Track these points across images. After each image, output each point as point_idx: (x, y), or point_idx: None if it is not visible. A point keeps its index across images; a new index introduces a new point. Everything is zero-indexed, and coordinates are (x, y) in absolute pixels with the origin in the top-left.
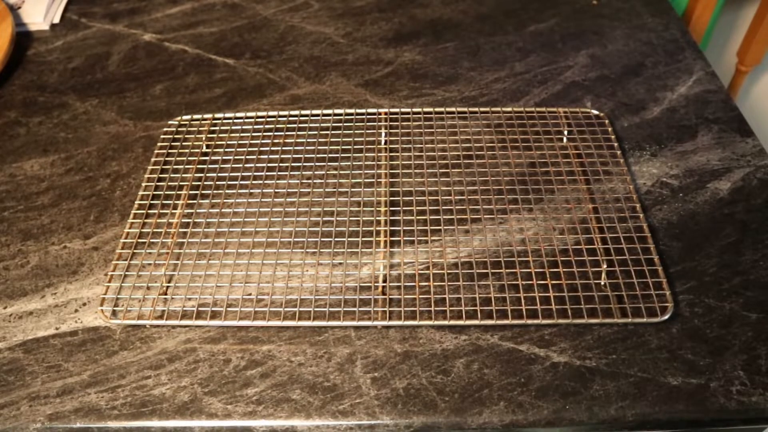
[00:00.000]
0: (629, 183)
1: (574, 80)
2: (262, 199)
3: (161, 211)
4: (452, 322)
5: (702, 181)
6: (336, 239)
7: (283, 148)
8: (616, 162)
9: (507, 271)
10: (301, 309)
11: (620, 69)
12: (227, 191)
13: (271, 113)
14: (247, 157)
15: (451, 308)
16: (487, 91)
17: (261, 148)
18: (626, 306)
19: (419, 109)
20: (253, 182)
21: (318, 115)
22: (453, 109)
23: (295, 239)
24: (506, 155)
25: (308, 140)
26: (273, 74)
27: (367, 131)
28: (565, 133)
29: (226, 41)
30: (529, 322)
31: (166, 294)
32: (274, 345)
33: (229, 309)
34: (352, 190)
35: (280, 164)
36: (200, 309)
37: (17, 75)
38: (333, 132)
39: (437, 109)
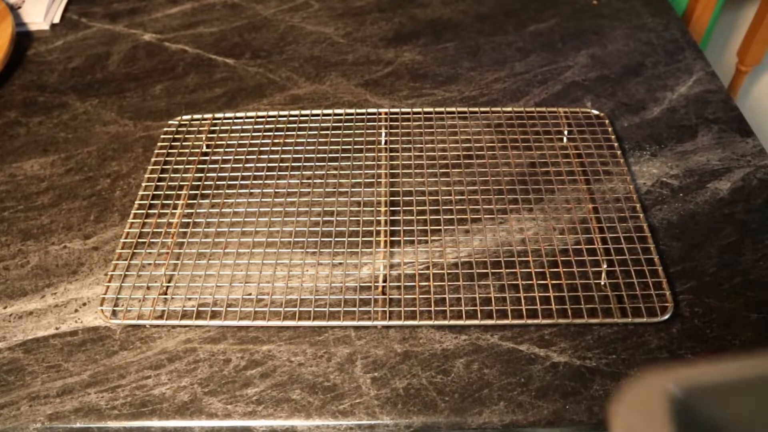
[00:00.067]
0: (629, 183)
1: (574, 80)
2: (262, 199)
3: (161, 211)
4: (452, 322)
5: (702, 181)
6: (336, 239)
7: (283, 148)
8: (616, 162)
9: (507, 271)
10: (301, 309)
11: (620, 69)
12: (227, 191)
13: (271, 113)
14: (247, 157)
15: (451, 308)
16: (487, 91)
17: (261, 148)
18: (626, 306)
19: (419, 109)
20: (253, 182)
21: (318, 115)
22: (453, 109)
23: (295, 239)
24: (506, 155)
25: (308, 140)
26: (273, 74)
27: (367, 131)
28: (565, 133)
29: (226, 41)
30: (529, 322)
31: (166, 294)
32: (274, 345)
33: (229, 309)
34: (352, 190)
35: (280, 164)
36: (200, 309)
37: (17, 75)
38: (333, 132)
39: (437, 109)
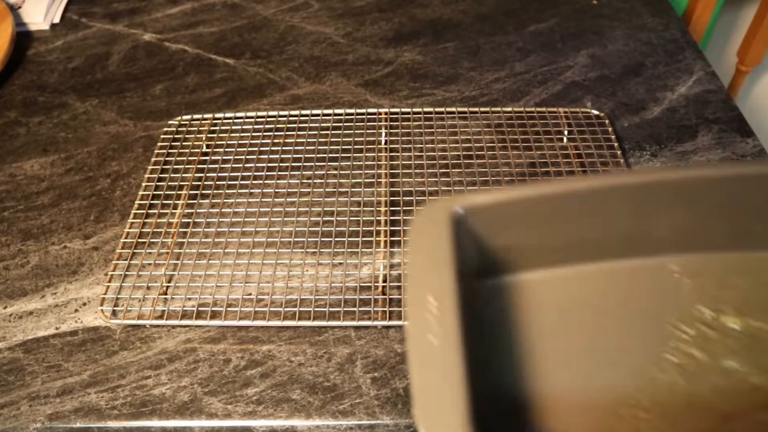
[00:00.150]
0: None
1: (574, 80)
2: (262, 199)
3: (161, 211)
4: None
5: None
6: (336, 239)
7: (283, 148)
8: (616, 162)
9: None
10: (301, 309)
11: (620, 69)
12: (227, 191)
13: (271, 113)
14: (247, 157)
15: None
16: (487, 91)
17: (261, 148)
18: None
19: (419, 109)
20: (253, 182)
21: (318, 115)
22: (453, 109)
23: (295, 239)
24: (506, 155)
25: (308, 140)
26: (273, 74)
27: (367, 131)
28: (565, 133)
29: (226, 41)
30: None
31: (166, 294)
32: (274, 345)
33: (229, 309)
34: (352, 190)
35: (280, 164)
36: (200, 309)
37: (17, 75)
38: (333, 132)
39: (437, 109)
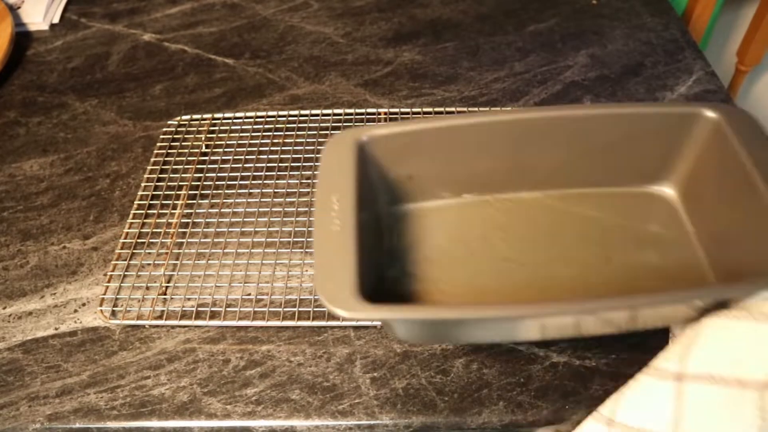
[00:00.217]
0: None
1: (573, 80)
2: (262, 199)
3: (160, 211)
4: None
5: None
6: None
7: (283, 148)
8: None
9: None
10: (300, 309)
11: (620, 69)
12: (227, 191)
13: (270, 113)
14: (247, 157)
15: None
16: (486, 91)
17: (260, 148)
18: None
19: (419, 109)
20: (253, 182)
21: (317, 115)
22: (453, 109)
23: (295, 239)
24: None
25: (308, 140)
26: (273, 74)
27: None
28: None
29: (226, 41)
30: None
31: (165, 294)
32: (274, 345)
33: (228, 309)
34: None
35: (280, 164)
36: (199, 309)
37: (17, 75)
38: (333, 132)
39: (437, 109)
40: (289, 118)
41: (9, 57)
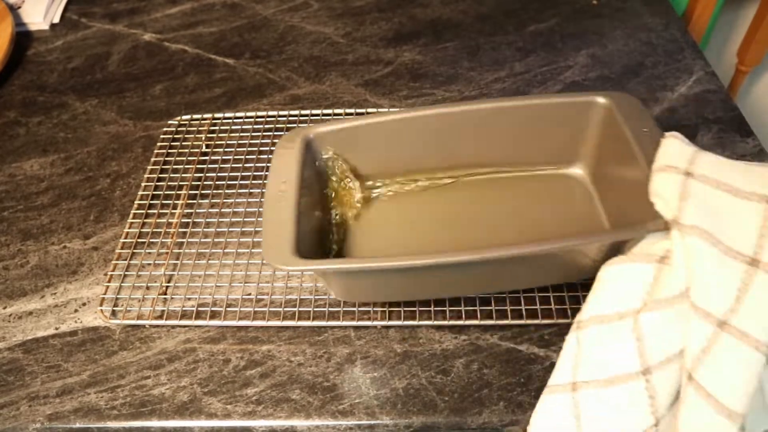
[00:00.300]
0: None
1: (574, 80)
2: (262, 199)
3: (161, 211)
4: (452, 322)
5: None
6: None
7: None
8: None
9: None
10: (300, 309)
11: (620, 69)
12: (227, 191)
13: (270, 113)
14: (247, 156)
15: (450, 308)
16: (487, 91)
17: (261, 148)
18: None
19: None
20: (253, 182)
21: (318, 115)
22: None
23: None
24: None
25: None
26: (273, 74)
27: None
28: None
29: (226, 41)
30: (529, 322)
31: (165, 294)
32: (274, 345)
33: (228, 309)
34: None
35: None
36: (200, 309)
37: (17, 75)
38: None
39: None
40: (290, 118)
41: (9, 57)
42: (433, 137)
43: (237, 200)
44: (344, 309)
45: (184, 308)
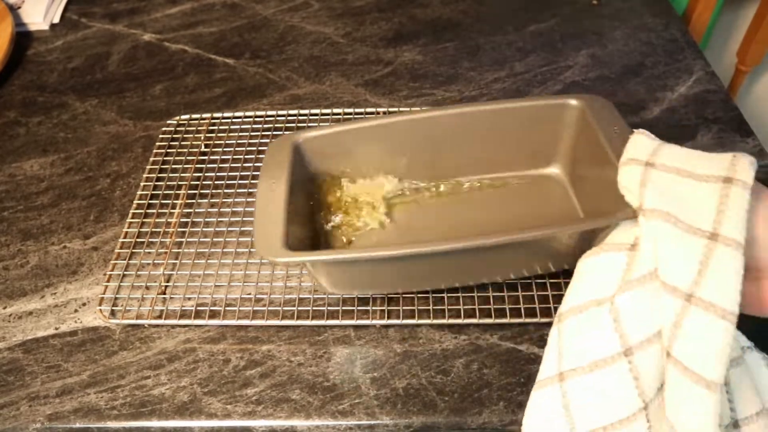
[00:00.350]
0: None
1: (574, 80)
2: None
3: (160, 211)
4: (451, 321)
5: None
6: None
7: None
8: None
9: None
10: (299, 308)
11: (620, 69)
12: (226, 190)
13: (269, 112)
14: (246, 156)
15: (449, 307)
16: (487, 91)
17: (260, 148)
18: None
19: (418, 109)
20: (252, 182)
21: (317, 115)
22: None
23: None
24: None
25: None
26: (273, 74)
27: None
28: None
29: (226, 41)
30: (528, 320)
31: (164, 293)
32: (274, 345)
33: (227, 308)
34: None
35: None
36: (199, 308)
37: (17, 75)
38: None
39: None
40: (289, 118)
41: (9, 57)
42: (415, 142)
43: (236, 200)
44: (343, 308)
45: (183, 308)
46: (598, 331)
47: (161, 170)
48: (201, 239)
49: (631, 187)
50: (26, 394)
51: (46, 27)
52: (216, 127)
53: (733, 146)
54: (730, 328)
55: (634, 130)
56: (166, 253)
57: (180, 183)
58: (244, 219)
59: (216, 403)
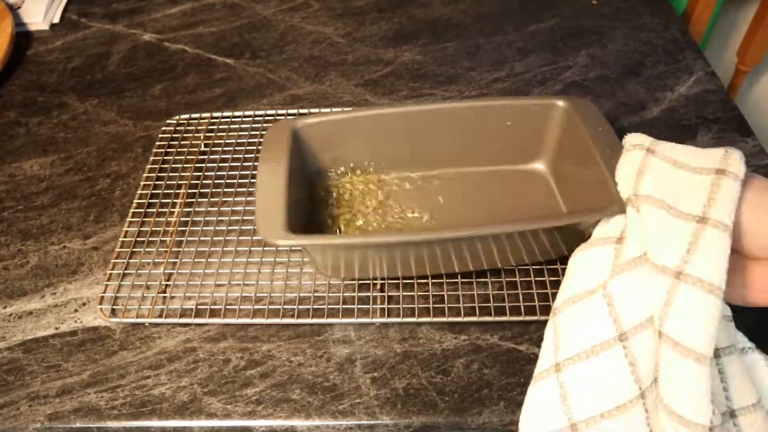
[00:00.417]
0: None
1: (574, 80)
2: None
3: (160, 210)
4: (450, 319)
5: None
6: None
7: None
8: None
9: (505, 268)
10: (300, 307)
11: (620, 69)
12: (226, 190)
13: (269, 112)
14: (246, 155)
15: (449, 306)
16: (487, 91)
17: (260, 147)
18: None
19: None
20: (252, 181)
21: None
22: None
23: None
24: None
25: None
26: (273, 74)
27: None
28: None
29: (226, 41)
30: (528, 318)
31: (165, 293)
32: (274, 345)
33: (228, 308)
34: None
35: None
36: (199, 307)
37: (17, 75)
38: None
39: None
40: (288, 118)
41: (9, 57)
42: (406, 134)
43: (236, 199)
44: (343, 307)
45: (183, 307)
46: (592, 318)
47: (161, 170)
48: (201, 239)
49: (630, 173)
50: (26, 394)
51: (46, 27)
52: (216, 127)
53: (733, 146)
54: (718, 302)
55: (627, 134)
56: (166, 252)
57: (180, 183)
58: (244, 218)
59: (216, 403)
